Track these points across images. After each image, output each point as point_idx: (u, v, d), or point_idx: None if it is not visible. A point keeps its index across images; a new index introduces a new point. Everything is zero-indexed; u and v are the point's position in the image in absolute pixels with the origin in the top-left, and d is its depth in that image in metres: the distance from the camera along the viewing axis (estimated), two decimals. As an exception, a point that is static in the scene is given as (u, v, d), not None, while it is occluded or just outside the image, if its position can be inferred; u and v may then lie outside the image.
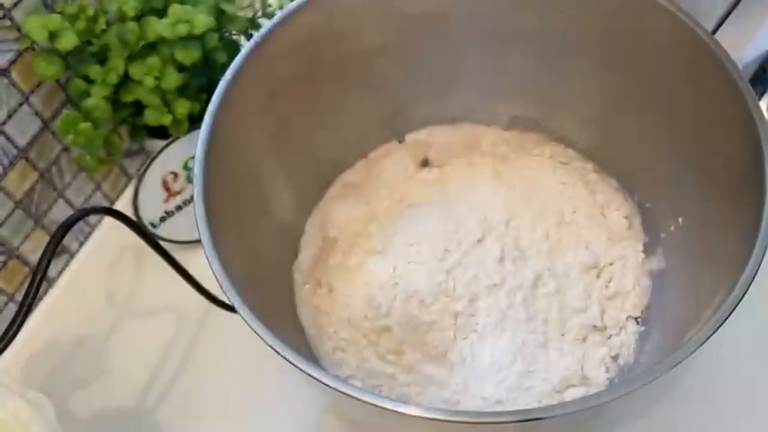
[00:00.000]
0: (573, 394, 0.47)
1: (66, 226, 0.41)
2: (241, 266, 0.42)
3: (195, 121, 0.56)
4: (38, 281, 0.40)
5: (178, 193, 0.60)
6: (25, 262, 0.56)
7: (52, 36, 0.49)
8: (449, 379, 0.46)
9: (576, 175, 0.56)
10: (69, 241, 0.60)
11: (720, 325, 0.35)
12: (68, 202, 0.58)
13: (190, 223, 0.40)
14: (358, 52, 0.52)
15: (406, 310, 0.47)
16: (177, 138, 0.57)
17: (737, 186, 0.42)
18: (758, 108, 0.41)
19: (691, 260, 0.47)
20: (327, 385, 0.33)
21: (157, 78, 0.52)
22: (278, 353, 0.35)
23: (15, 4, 0.48)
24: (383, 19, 0.51)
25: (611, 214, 0.54)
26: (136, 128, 0.58)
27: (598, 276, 0.51)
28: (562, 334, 0.49)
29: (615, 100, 0.52)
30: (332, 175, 0.58)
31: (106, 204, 0.62)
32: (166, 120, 0.53)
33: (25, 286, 0.47)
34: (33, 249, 0.56)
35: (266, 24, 0.47)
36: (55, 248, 0.41)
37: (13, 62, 0.49)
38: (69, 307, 0.59)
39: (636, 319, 0.50)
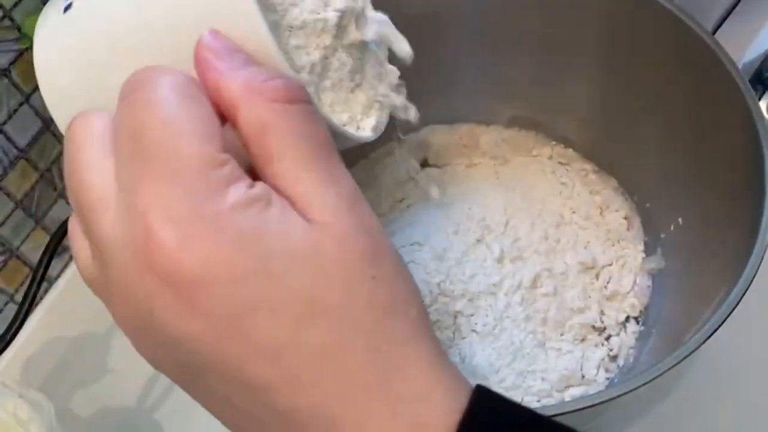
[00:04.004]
0: (572, 393, 0.47)
1: (66, 226, 0.41)
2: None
3: (195, 121, 0.56)
4: (38, 281, 0.41)
5: (179, 193, 0.60)
6: (26, 262, 0.56)
7: (53, 36, 0.49)
8: (449, 379, 0.46)
9: (576, 176, 0.56)
10: (69, 240, 0.60)
11: (720, 325, 0.35)
12: (68, 202, 0.58)
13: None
14: (358, 52, 0.52)
15: (406, 309, 0.47)
16: (177, 138, 0.57)
17: (737, 186, 0.42)
18: (758, 108, 0.41)
19: (691, 260, 0.47)
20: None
21: (157, 78, 0.52)
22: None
23: (15, 5, 0.48)
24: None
25: (610, 214, 0.54)
26: (137, 128, 0.58)
27: (597, 276, 0.51)
28: (561, 334, 0.49)
29: (615, 100, 0.52)
30: (332, 175, 0.58)
31: (106, 204, 0.62)
32: (167, 120, 0.53)
33: (26, 285, 0.47)
34: (33, 249, 0.56)
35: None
36: (55, 248, 0.41)
37: (13, 62, 0.49)
38: (69, 307, 0.59)
39: (636, 319, 0.50)
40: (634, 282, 0.51)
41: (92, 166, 0.18)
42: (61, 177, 0.57)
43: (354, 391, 0.17)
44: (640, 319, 0.50)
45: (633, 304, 0.50)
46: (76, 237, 0.21)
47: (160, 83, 0.18)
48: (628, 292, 0.51)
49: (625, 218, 0.54)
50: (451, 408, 0.17)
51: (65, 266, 0.60)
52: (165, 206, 0.17)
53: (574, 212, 0.54)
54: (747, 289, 0.36)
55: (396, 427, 0.17)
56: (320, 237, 0.17)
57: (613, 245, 0.53)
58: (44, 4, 0.50)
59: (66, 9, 0.24)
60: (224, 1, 0.20)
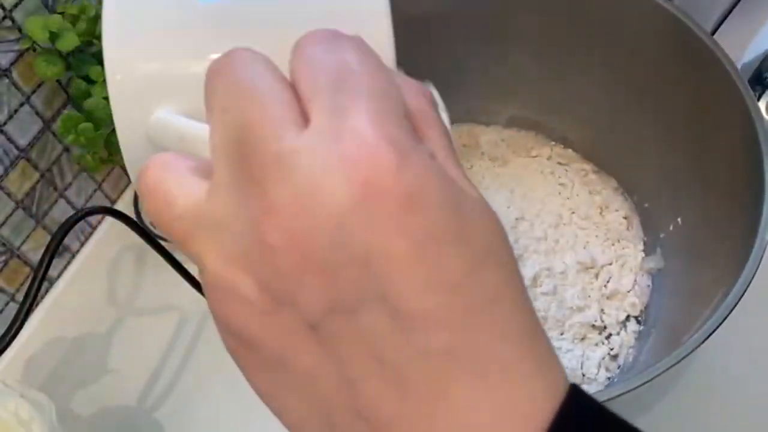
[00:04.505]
0: (572, 393, 0.47)
1: (67, 226, 0.41)
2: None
3: (195, 121, 0.56)
4: (39, 281, 0.41)
5: (179, 193, 0.60)
6: (26, 262, 0.56)
7: (53, 36, 0.49)
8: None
9: (575, 176, 0.56)
10: (70, 240, 0.60)
11: (719, 325, 0.35)
12: (69, 202, 0.58)
13: (191, 222, 0.40)
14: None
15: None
16: (177, 138, 0.57)
17: (736, 186, 0.42)
18: (757, 108, 0.41)
19: (690, 260, 0.48)
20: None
21: (157, 78, 0.52)
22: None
23: (16, 5, 0.48)
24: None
25: (610, 214, 0.54)
26: (137, 128, 0.58)
27: (597, 276, 0.52)
28: (561, 333, 0.49)
29: (614, 100, 0.52)
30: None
31: (107, 204, 0.62)
32: (167, 120, 0.53)
33: (26, 285, 0.47)
34: (34, 249, 0.56)
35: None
36: (56, 248, 0.41)
37: (14, 62, 0.49)
38: (70, 307, 0.59)
39: (636, 318, 0.50)
40: (635, 281, 0.51)
41: (274, 91, 0.18)
42: (62, 177, 0.57)
43: (508, 339, 0.17)
44: (640, 318, 0.50)
45: (633, 303, 0.50)
46: (175, 170, 0.19)
47: (357, 39, 0.19)
48: (628, 291, 0.51)
49: (625, 218, 0.54)
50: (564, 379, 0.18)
51: (66, 266, 0.60)
52: (384, 130, 0.17)
53: (573, 212, 0.54)
54: (746, 289, 0.36)
55: (537, 383, 0.17)
56: (480, 197, 0.19)
57: (613, 245, 0.53)
58: (45, 4, 0.50)
59: None
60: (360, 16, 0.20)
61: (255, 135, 0.18)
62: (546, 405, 0.17)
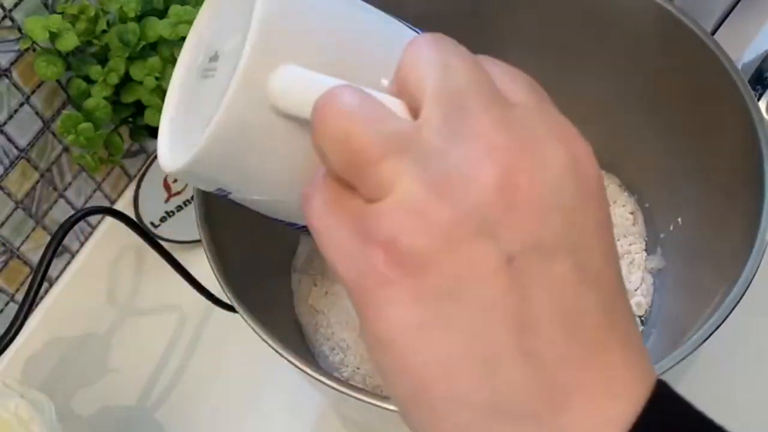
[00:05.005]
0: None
1: (67, 226, 0.41)
2: (241, 266, 0.42)
3: (195, 121, 0.56)
4: (39, 281, 0.41)
5: (179, 193, 0.60)
6: (26, 262, 0.56)
7: (53, 36, 0.49)
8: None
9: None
10: (70, 241, 0.60)
11: (719, 325, 0.35)
12: (69, 202, 0.58)
13: (191, 223, 0.40)
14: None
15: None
16: (177, 138, 0.57)
17: (736, 186, 0.42)
18: (757, 108, 0.41)
19: (690, 260, 0.47)
20: (328, 385, 0.33)
21: (157, 78, 0.52)
22: (278, 353, 0.35)
23: (16, 5, 0.48)
24: (383, 19, 0.51)
25: (617, 209, 0.54)
26: (137, 128, 0.58)
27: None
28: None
29: (613, 101, 0.52)
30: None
31: (106, 204, 0.62)
32: (167, 120, 0.53)
33: (26, 285, 0.47)
34: (34, 249, 0.56)
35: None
36: (56, 248, 0.41)
37: (14, 62, 0.49)
38: (70, 307, 0.59)
39: (640, 318, 0.50)
40: (642, 279, 0.51)
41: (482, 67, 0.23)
42: (61, 177, 0.57)
43: (634, 322, 0.21)
44: (642, 318, 0.50)
45: (639, 302, 0.50)
46: (379, 99, 0.21)
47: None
48: (636, 290, 0.51)
49: (631, 213, 0.54)
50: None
51: (66, 266, 0.60)
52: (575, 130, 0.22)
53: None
54: (746, 289, 0.36)
55: (650, 362, 0.21)
56: None
57: (618, 240, 0.53)
58: (44, 4, 0.50)
59: None
60: None
61: (479, 91, 0.21)
62: (653, 380, 0.20)
